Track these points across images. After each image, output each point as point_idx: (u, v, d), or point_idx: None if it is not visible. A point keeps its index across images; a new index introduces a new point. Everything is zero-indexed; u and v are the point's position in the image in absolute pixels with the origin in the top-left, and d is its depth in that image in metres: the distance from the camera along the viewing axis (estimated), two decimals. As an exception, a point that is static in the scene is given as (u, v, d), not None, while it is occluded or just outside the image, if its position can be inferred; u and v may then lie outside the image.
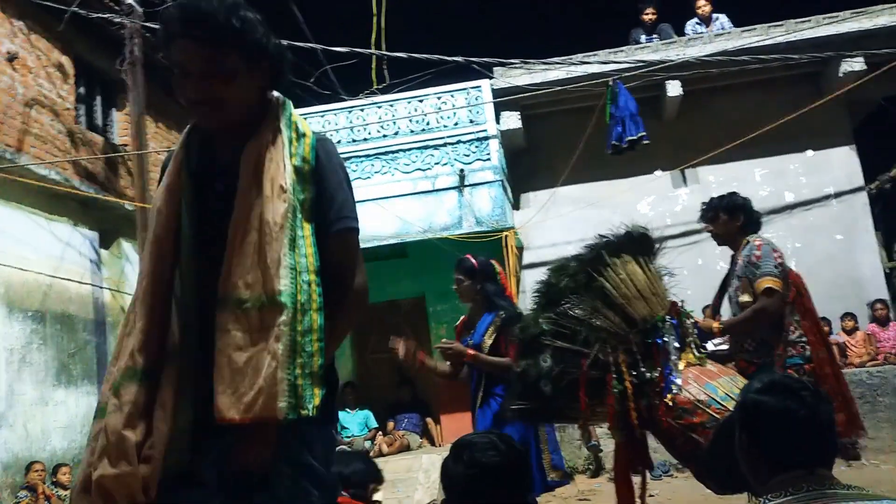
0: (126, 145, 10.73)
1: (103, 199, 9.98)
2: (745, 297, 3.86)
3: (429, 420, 10.11)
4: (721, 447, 2.73)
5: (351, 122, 9.62)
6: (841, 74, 9.35)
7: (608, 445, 8.91)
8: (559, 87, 9.43)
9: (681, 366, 3.29)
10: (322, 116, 9.70)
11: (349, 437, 9.69)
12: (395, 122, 9.54)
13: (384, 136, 9.54)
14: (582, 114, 9.46)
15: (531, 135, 10.15)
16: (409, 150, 9.45)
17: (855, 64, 9.29)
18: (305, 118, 9.82)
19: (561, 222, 9.90)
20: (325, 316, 1.79)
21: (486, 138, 9.35)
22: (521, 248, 9.92)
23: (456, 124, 9.45)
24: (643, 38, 10.69)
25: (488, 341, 4.40)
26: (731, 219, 4.09)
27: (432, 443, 10.02)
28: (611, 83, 8.42)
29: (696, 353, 3.38)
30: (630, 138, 8.27)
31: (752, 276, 3.85)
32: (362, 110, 9.66)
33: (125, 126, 10.99)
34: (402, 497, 8.13)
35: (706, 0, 10.67)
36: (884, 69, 8.79)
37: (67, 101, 10.08)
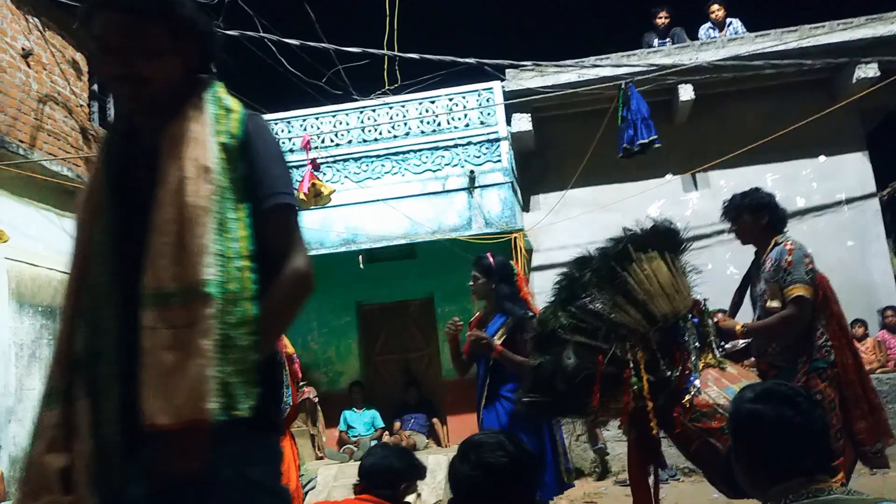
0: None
1: (115, 195, 10.00)
2: (775, 304, 3.72)
3: (435, 420, 10.11)
4: None
5: (362, 122, 9.64)
6: (854, 80, 9.31)
7: (615, 448, 8.91)
8: (571, 90, 9.43)
9: (700, 366, 3.26)
10: (334, 116, 9.71)
11: (356, 436, 9.70)
12: (406, 123, 9.55)
13: (395, 136, 9.55)
14: (593, 117, 9.45)
15: (542, 137, 10.14)
16: (420, 150, 9.45)
17: (869, 70, 9.24)
18: (317, 118, 9.84)
19: (570, 225, 9.89)
20: (263, 305, 1.64)
21: (497, 140, 9.35)
22: (530, 251, 9.92)
23: (467, 126, 9.45)
24: (656, 41, 10.67)
25: (498, 342, 4.39)
26: (755, 218, 3.95)
27: (438, 443, 10.02)
28: (623, 86, 8.41)
29: (717, 354, 3.34)
30: (641, 142, 8.25)
31: (782, 282, 3.70)
32: (374, 111, 9.68)
33: (137, 123, 11.04)
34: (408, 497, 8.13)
35: (720, 5, 10.65)
36: (898, 76, 8.76)
37: (81, 98, 10.14)
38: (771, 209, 3.94)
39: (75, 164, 9.76)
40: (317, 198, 7.79)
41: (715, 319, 3.48)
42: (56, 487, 1.60)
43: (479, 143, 9.37)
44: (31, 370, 8.73)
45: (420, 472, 3.15)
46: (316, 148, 8.91)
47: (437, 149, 9.43)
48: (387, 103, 9.69)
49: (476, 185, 9.22)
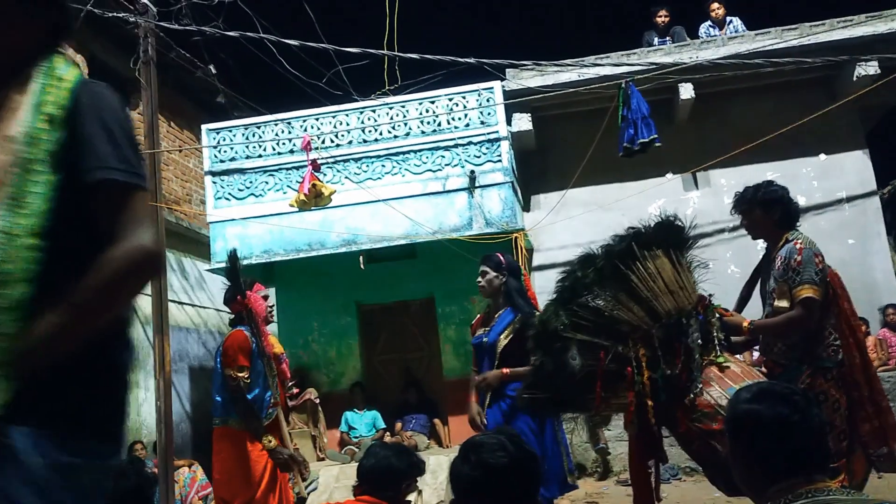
0: (139, 144, 10.78)
1: (115, 197, 10.00)
2: (783, 303, 3.65)
3: (436, 421, 10.10)
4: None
5: (362, 122, 9.63)
6: (855, 78, 9.30)
7: (616, 448, 8.91)
8: (571, 89, 9.43)
9: (703, 364, 3.24)
10: (334, 117, 9.71)
11: (357, 437, 9.70)
12: (406, 123, 9.54)
13: (395, 136, 9.55)
14: (593, 116, 9.44)
15: (542, 137, 10.14)
16: (420, 151, 9.45)
17: (869, 68, 9.23)
18: (317, 119, 9.84)
19: (571, 224, 9.88)
20: (74, 290, 1.47)
21: (497, 140, 9.34)
22: (530, 250, 9.91)
23: (467, 126, 9.44)
24: (656, 40, 10.66)
25: (504, 341, 4.37)
26: (767, 213, 3.86)
27: (440, 444, 10.01)
28: (623, 85, 8.40)
29: (719, 352, 3.32)
30: (642, 141, 8.23)
31: (791, 282, 3.63)
32: (374, 111, 9.67)
33: (138, 125, 11.04)
34: (410, 497, 8.13)
35: (720, 3, 10.65)
36: (898, 73, 8.74)
37: (81, 100, 10.13)
38: (783, 204, 3.86)
39: (76, 166, 9.74)
40: (317, 199, 7.78)
41: (719, 315, 3.46)
42: None
43: (480, 142, 9.36)
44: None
45: (420, 469, 3.14)
46: (316, 149, 8.91)
47: (437, 149, 9.42)
48: (387, 104, 9.69)
49: (476, 184, 9.22)
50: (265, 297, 4.85)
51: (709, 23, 10.68)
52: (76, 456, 1.50)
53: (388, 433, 9.81)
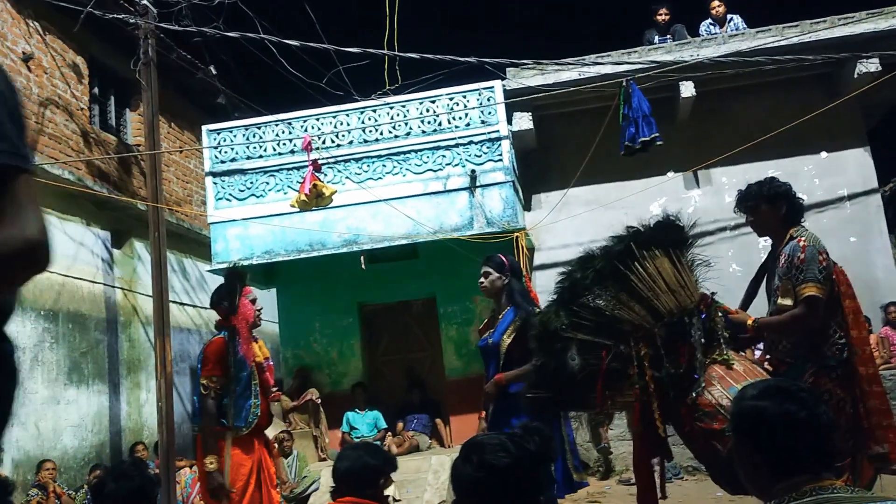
0: (139, 145, 10.79)
1: (116, 198, 10.03)
2: (786, 301, 3.62)
3: (438, 421, 10.09)
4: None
5: (363, 122, 9.63)
6: (856, 76, 9.28)
7: (618, 448, 8.90)
8: (572, 88, 9.42)
9: (706, 363, 3.23)
10: (334, 117, 9.70)
11: (359, 437, 9.69)
12: (407, 123, 9.53)
13: (396, 136, 9.54)
14: (594, 115, 9.43)
15: (543, 136, 10.13)
16: (421, 150, 9.44)
17: (870, 65, 9.21)
18: (318, 119, 9.85)
19: (572, 223, 9.87)
20: None
21: (498, 139, 9.33)
22: (532, 250, 9.90)
23: (468, 125, 9.43)
24: (657, 38, 10.65)
25: (507, 340, 4.36)
26: (772, 209, 3.81)
27: (441, 444, 10.01)
28: (624, 83, 8.38)
29: (724, 350, 3.30)
30: (643, 139, 8.21)
31: (794, 280, 3.59)
32: (374, 111, 9.66)
33: (139, 126, 11.06)
34: (412, 498, 8.13)
35: (720, 1, 10.63)
36: (899, 70, 8.72)
37: (81, 102, 10.15)
38: (789, 198, 3.82)
39: (76, 168, 9.76)
40: (318, 199, 7.78)
41: (723, 313, 3.44)
42: None
43: (480, 142, 9.35)
44: (34, 374, 8.73)
45: (393, 464, 3.16)
46: (317, 149, 8.90)
47: (438, 148, 9.41)
48: (387, 103, 9.68)
49: (477, 184, 9.21)
50: (253, 301, 4.81)
51: (709, 20, 10.66)
52: None
53: (389, 433, 9.80)
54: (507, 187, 9.24)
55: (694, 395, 3.17)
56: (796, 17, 9.52)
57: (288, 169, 9.63)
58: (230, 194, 9.72)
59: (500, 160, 9.27)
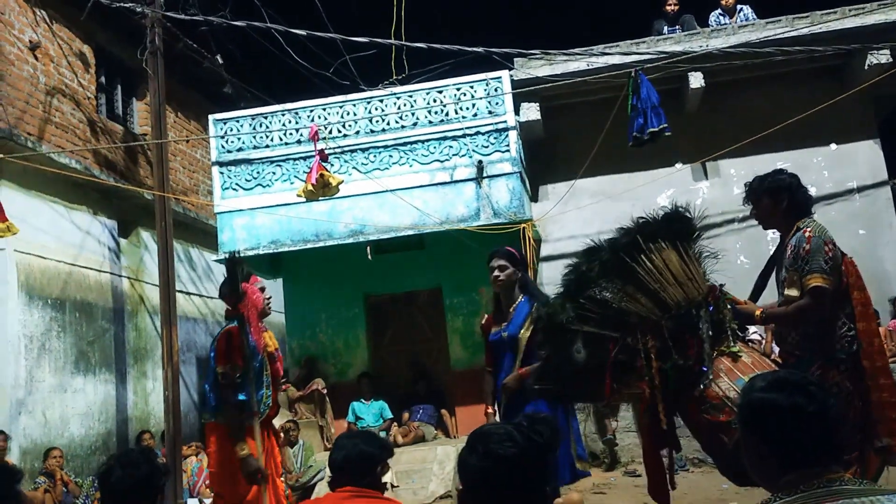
0: (146, 135, 10.80)
1: (123, 188, 10.04)
2: (793, 292, 3.60)
3: (444, 412, 10.10)
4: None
5: (370, 112, 9.60)
6: (866, 67, 9.21)
7: (624, 439, 8.90)
8: (580, 79, 9.36)
9: (714, 355, 3.21)
10: (341, 107, 9.67)
11: (364, 427, 9.71)
12: (413, 113, 9.50)
13: (403, 126, 9.51)
14: (602, 105, 9.38)
15: (550, 126, 10.08)
16: (428, 141, 9.41)
17: (881, 57, 9.14)
18: (325, 109, 9.83)
19: (579, 214, 9.84)
20: None
21: (505, 130, 9.29)
22: (538, 241, 9.88)
23: (475, 115, 9.40)
24: (665, 28, 10.59)
25: (525, 334, 4.34)
26: (774, 202, 3.81)
27: (447, 434, 10.02)
28: (633, 74, 8.32)
29: (733, 342, 3.29)
30: (652, 130, 8.16)
31: (800, 270, 3.57)
32: (381, 101, 9.63)
33: (145, 116, 11.06)
34: (417, 488, 8.14)
35: (730, -9, 10.55)
36: (911, 62, 8.65)
37: (88, 91, 10.15)
38: (791, 192, 3.79)
39: (83, 157, 9.77)
40: (325, 189, 7.75)
41: (731, 304, 3.42)
42: None
43: (488, 132, 9.32)
44: (41, 362, 8.77)
45: (389, 450, 3.15)
46: (324, 139, 8.88)
47: (445, 139, 9.38)
48: (394, 93, 9.65)
49: (484, 175, 9.18)
50: (262, 289, 4.79)
51: (719, 11, 10.59)
52: None
53: (395, 423, 9.81)
54: (515, 178, 9.21)
55: (702, 386, 3.15)
56: (807, 8, 9.45)
57: (294, 159, 9.62)
58: (237, 184, 9.71)
59: (508, 151, 9.24)
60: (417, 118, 9.50)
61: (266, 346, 4.76)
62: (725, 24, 10.19)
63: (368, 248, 9.30)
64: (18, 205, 8.24)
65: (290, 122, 9.74)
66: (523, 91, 9.41)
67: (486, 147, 9.29)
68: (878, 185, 9.81)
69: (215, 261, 10.20)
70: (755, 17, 10.26)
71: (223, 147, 9.84)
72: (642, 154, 9.19)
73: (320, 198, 7.96)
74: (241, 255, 8.71)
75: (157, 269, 9.06)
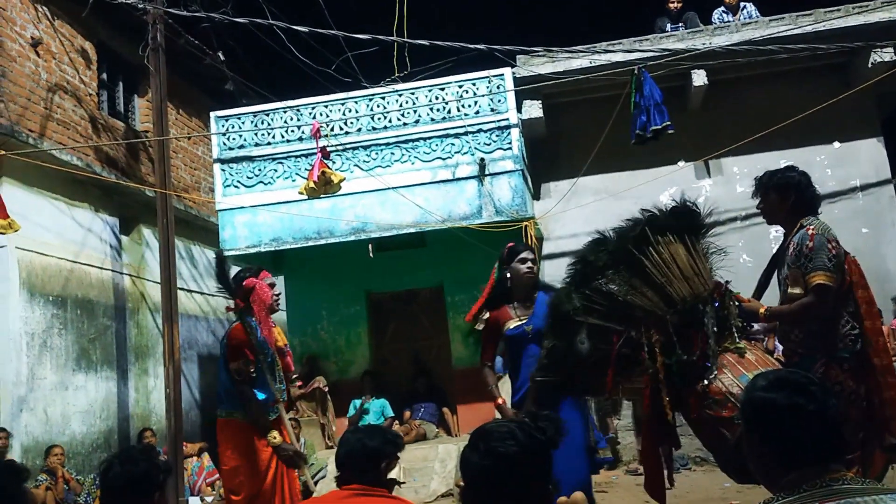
0: (148, 132, 10.79)
1: (124, 185, 10.03)
2: (796, 290, 3.59)
3: (445, 410, 10.10)
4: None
5: (372, 109, 9.58)
6: (870, 65, 9.18)
7: (626, 438, 8.88)
8: (582, 76, 9.33)
9: (718, 351, 3.20)
10: (343, 104, 9.66)
11: (365, 424, 9.70)
12: (415, 111, 9.49)
13: (405, 124, 9.49)
14: (604, 103, 9.36)
15: (553, 124, 10.06)
16: (430, 138, 9.39)
17: (885, 54, 9.11)
18: (326, 106, 9.80)
19: (582, 213, 9.82)
20: None
21: (508, 127, 9.28)
22: (540, 239, 9.86)
23: (477, 113, 9.38)
24: (668, 26, 10.56)
25: None
26: (781, 198, 3.80)
27: (448, 432, 10.01)
28: (636, 71, 8.30)
29: (738, 339, 3.27)
30: (655, 127, 8.13)
31: (803, 268, 3.57)
32: (383, 98, 9.62)
33: (147, 112, 11.05)
34: (418, 486, 8.14)
35: (733, -12, 10.52)
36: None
37: (90, 87, 10.14)
38: (799, 190, 3.78)
39: (85, 154, 9.76)
40: (327, 186, 7.74)
41: (737, 302, 3.41)
42: None
43: (490, 130, 9.30)
44: (43, 360, 8.76)
45: (397, 444, 3.08)
46: (325, 136, 8.86)
47: (447, 136, 9.37)
48: (396, 91, 9.63)
49: (486, 172, 9.16)
50: (272, 285, 4.78)
51: (722, 8, 10.57)
52: None
53: (396, 421, 9.81)
54: (517, 176, 9.19)
55: (705, 382, 3.14)
56: (811, 6, 9.43)
57: (296, 156, 9.61)
58: (238, 181, 9.70)
59: (510, 148, 9.23)
60: (419, 115, 9.48)
61: (276, 341, 4.76)
62: (729, 21, 10.16)
63: (370, 245, 9.30)
64: (20, 202, 8.24)
65: (291, 119, 9.72)
66: (526, 88, 9.39)
67: (489, 144, 9.27)
68: (882, 184, 9.79)
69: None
70: (758, 14, 10.23)
71: (225, 144, 9.83)
72: (645, 152, 9.17)
73: (322, 195, 7.95)
74: (243, 252, 8.73)
75: (159, 267, 9.05)
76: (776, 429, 1.77)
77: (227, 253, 9.42)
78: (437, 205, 9.19)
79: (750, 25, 9.59)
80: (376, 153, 9.45)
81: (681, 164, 10.06)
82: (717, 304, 3.29)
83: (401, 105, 9.52)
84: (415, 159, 9.38)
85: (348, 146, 9.44)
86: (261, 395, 4.56)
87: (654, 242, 3.22)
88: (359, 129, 9.56)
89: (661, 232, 3.26)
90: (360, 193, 9.29)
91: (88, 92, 10.05)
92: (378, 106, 9.58)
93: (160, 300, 9.03)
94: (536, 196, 10.33)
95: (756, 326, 3.72)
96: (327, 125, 9.32)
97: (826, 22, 9.19)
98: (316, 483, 8.42)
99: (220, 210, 9.83)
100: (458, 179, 9.27)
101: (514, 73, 9.46)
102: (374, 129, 9.54)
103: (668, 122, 8.15)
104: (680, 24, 10.56)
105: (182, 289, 10.34)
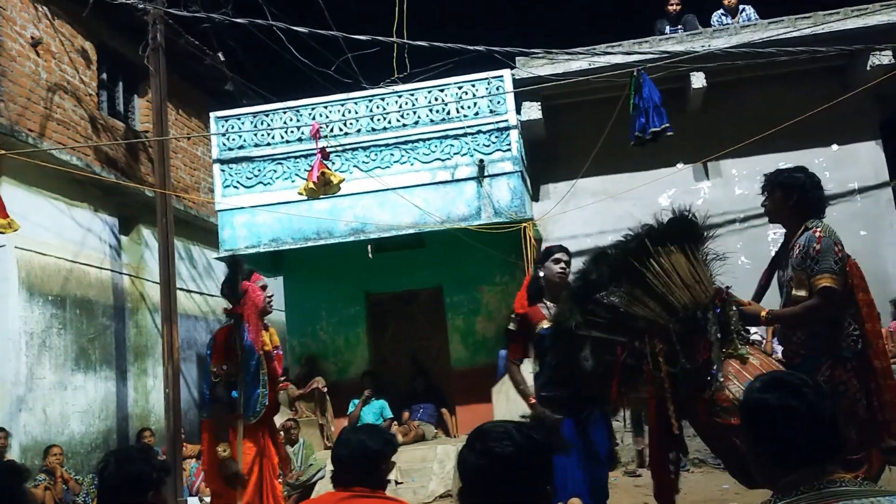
0: (147, 132, 10.79)
1: (124, 185, 10.04)
2: (801, 293, 3.56)
3: (444, 411, 10.10)
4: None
5: (371, 110, 9.59)
6: (869, 68, 9.20)
7: (624, 439, 8.88)
8: (581, 78, 9.35)
9: (722, 357, 3.20)
10: (342, 105, 9.67)
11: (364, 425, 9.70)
12: (415, 112, 9.50)
13: (404, 125, 9.50)
14: (603, 105, 9.37)
15: (552, 125, 10.07)
16: (429, 139, 9.40)
17: (883, 57, 9.13)
18: (326, 107, 9.80)
19: (580, 214, 9.83)
20: None
21: (507, 129, 9.29)
22: (539, 240, 9.86)
23: (476, 114, 9.39)
24: (668, 28, 10.57)
25: None
26: (784, 197, 3.77)
27: (447, 433, 10.01)
28: (635, 73, 8.31)
29: (740, 345, 3.28)
30: (654, 129, 8.14)
31: (809, 271, 3.54)
32: (383, 99, 9.63)
33: (147, 112, 11.06)
34: (417, 487, 8.14)
35: (732, -9, 10.53)
36: (913, 63, 8.64)
37: (90, 87, 10.14)
38: (803, 191, 3.75)
39: (84, 154, 9.77)
40: (326, 187, 7.76)
41: (737, 306, 3.41)
42: None
43: (489, 131, 9.31)
44: (42, 359, 8.76)
45: (394, 445, 3.04)
46: (325, 137, 8.88)
47: (446, 137, 9.38)
48: (396, 92, 9.64)
49: (485, 174, 9.18)
50: (263, 287, 4.78)
51: (721, 11, 10.58)
52: None
53: (395, 422, 9.81)
54: (516, 177, 9.20)
55: (712, 389, 3.14)
56: (809, 9, 9.44)
57: (296, 157, 9.61)
58: (238, 182, 9.71)
59: (509, 150, 9.24)
60: (419, 117, 9.49)
61: (264, 345, 4.74)
62: (728, 24, 10.17)
63: (369, 246, 9.30)
64: (19, 201, 8.24)
65: (291, 119, 9.73)
66: (525, 90, 9.40)
67: (488, 146, 9.29)
68: (880, 186, 9.80)
69: (216, 258, 10.20)
70: (757, 17, 10.24)
71: (224, 144, 9.84)
72: (644, 154, 9.18)
73: (321, 196, 7.97)
74: (242, 253, 8.72)
75: (158, 267, 9.05)
76: (769, 429, 1.79)
77: (226, 253, 9.47)
78: (437, 206, 9.20)
79: (749, 28, 9.61)
80: (376, 154, 9.46)
81: (679, 165, 10.07)
82: (718, 311, 3.29)
83: (400, 106, 9.53)
84: (414, 160, 9.39)
85: (348, 147, 9.45)
86: (234, 394, 4.53)
87: (654, 253, 3.23)
88: (358, 130, 9.57)
89: (661, 241, 3.27)
90: (359, 194, 9.30)
91: (88, 92, 10.06)
92: (377, 107, 9.60)
93: (159, 300, 9.03)
94: (535, 197, 10.34)
95: (753, 330, 3.73)
96: (327, 126, 9.33)
97: (825, 25, 9.20)
98: (314, 483, 8.44)
99: (219, 210, 9.84)
100: (458, 181, 9.28)
101: (513, 74, 9.47)
102: (373, 130, 9.55)
103: (667, 125, 8.16)
104: (679, 27, 10.57)
105: (181, 289, 10.35)
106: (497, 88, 9.39)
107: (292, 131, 9.70)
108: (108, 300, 10.05)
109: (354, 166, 9.41)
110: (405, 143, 9.44)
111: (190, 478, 8.84)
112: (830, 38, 9.17)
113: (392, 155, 9.45)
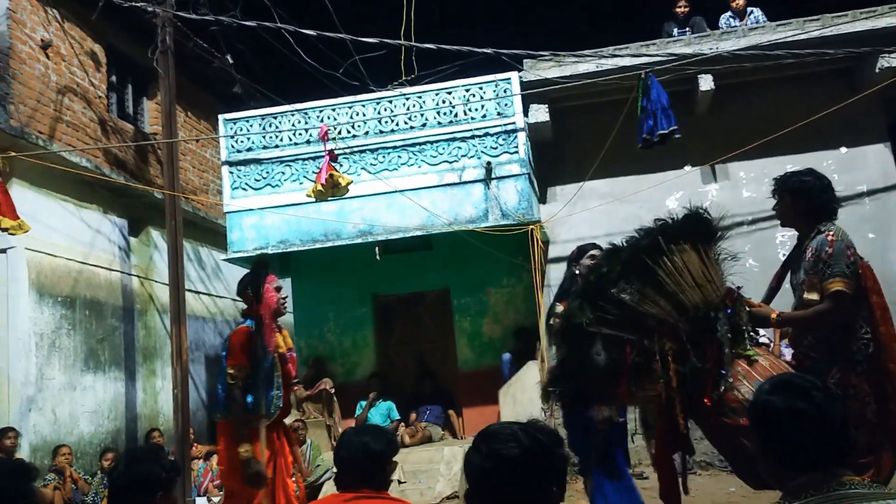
0: (156, 134, 10.84)
1: (133, 186, 10.08)
2: (813, 296, 3.57)
3: (451, 412, 10.11)
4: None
5: (379, 113, 9.62)
6: (877, 70, 9.17)
7: (629, 441, 8.86)
8: (589, 80, 9.34)
9: (732, 358, 3.20)
10: (350, 107, 9.70)
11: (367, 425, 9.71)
12: (423, 114, 9.52)
13: (412, 127, 9.53)
14: (611, 107, 9.36)
15: (559, 128, 10.08)
16: (437, 142, 9.42)
17: (892, 60, 9.10)
18: (334, 109, 9.82)
19: (588, 216, 9.83)
20: None
21: (514, 131, 9.30)
22: (546, 243, 9.87)
23: (484, 117, 9.41)
24: (675, 31, 10.56)
25: None
26: (793, 201, 3.80)
27: (454, 435, 10.02)
28: (643, 76, 8.31)
29: (749, 345, 3.28)
30: (662, 132, 8.14)
31: (822, 274, 3.54)
32: (390, 101, 9.65)
33: (156, 115, 11.11)
34: (424, 488, 8.14)
35: (740, -7, 10.52)
36: (922, 65, 8.61)
37: (99, 90, 10.20)
38: (812, 196, 3.77)
39: (94, 156, 9.82)
40: (334, 189, 7.78)
41: (748, 308, 3.41)
42: None
43: (496, 134, 9.33)
44: (52, 360, 8.81)
45: (397, 445, 3.07)
46: (333, 139, 8.90)
47: (453, 140, 9.40)
48: (403, 94, 9.66)
49: (493, 176, 9.19)
50: (278, 289, 4.80)
51: (729, 13, 10.56)
52: None
53: (402, 424, 9.82)
54: (523, 179, 9.21)
55: (721, 390, 3.15)
56: (818, 11, 9.42)
57: (304, 159, 9.65)
58: (246, 184, 9.75)
59: (516, 152, 9.25)
60: (426, 119, 9.51)
61: (278, 347, 4.76)
62: (736, 26, 10.16)
63: (377, 248, 9.32)
64: (29, 203, 8.29)
65: (299, 122, 9.77)
66: (532, 92, 9.42)
67: (495, 148, 9.30)
68: (888, 189, 9.76)
69: (224, 260, 10.24)
70: (765, 19, 10.22)
71: (233, 147, 9.88)
72: (651, 156, 9.18)
73: (329, 198, 7.99)
74: (250, 254, 8.75)
75: (167, 268, 9.09)
76: (778, 431, 1.79)
77: (234, 255, 9.51)
78: (444, 208, 9.22)
79: (757, 30, 9.59)
80: (383, 156, 9.48)
81: (687, 168, 10.06)
82: (729, 311, 3.29)
83: (408, 108, 9.55)
84: (422, 162, 9.41)
85: (355, 149, 9.48)
86: (249, 398, 4.55)
87: (666, 251, 3.23)
88: (366, 133, 9.60)
89: (674, 240, 3.27)
90: (367, 196, 9.32)
91: (98, 94, 10.12)
92: (385, 109, 9.62)
93: (168, 301, 9.06)
94: (543, 200, 10.34)
95: (761, 332, 3.72)
96: (335, 128, 9.36)
97: (833, 27, 9.18)
98: (322, 484, 8.46)
99: (228, 212, 9.88)
100: (465, 183, 9.30)
101: (520, 77, 9.48)
102: (381, 132, 9.57)
103: (675, 127, 8.16)
104: (687, 29, 10.56)
105: (190, 290, 10.39)
106: (504, 91, 9.41)
107: (300, 133, 9.73)
108: (118, 301, 10.10)
109: (362, 168, 9.44)
110: (413, 145, 9.47)
111: (197, 478, 8.87)
112: (838, 40, 9.14)
113: (400, 157, 9.47)
